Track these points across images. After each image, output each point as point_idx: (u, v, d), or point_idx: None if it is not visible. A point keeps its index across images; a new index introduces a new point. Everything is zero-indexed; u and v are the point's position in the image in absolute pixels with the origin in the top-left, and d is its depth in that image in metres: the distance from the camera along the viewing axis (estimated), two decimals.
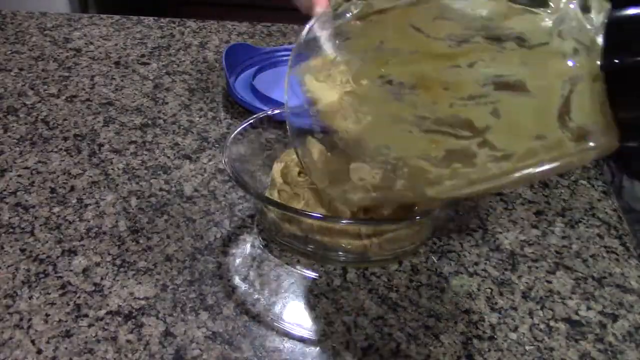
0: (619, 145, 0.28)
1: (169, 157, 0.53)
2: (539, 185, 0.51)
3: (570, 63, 0.27)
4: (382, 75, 0.31)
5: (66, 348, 0.35)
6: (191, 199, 0.48)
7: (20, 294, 0.38)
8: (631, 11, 0.26)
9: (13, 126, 0.56)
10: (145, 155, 0.53)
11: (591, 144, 0.28)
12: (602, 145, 0.28)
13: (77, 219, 0.45)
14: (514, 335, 0.37)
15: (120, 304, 0.38)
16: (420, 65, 0.30)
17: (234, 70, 0.64)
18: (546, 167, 0.30)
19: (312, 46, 0.35)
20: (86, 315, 0.37)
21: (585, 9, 0.27)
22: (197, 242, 0.43)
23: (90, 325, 0.37)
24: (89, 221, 0.45)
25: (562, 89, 0.27)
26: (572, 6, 0.27)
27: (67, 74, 0.66)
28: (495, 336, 0.37)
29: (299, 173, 0.43)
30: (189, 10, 1.76)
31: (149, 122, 0.58)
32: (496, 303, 0.40)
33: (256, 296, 0.39)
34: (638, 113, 0.27)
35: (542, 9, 0.28)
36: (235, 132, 0.45)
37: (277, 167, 0.45)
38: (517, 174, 0.30)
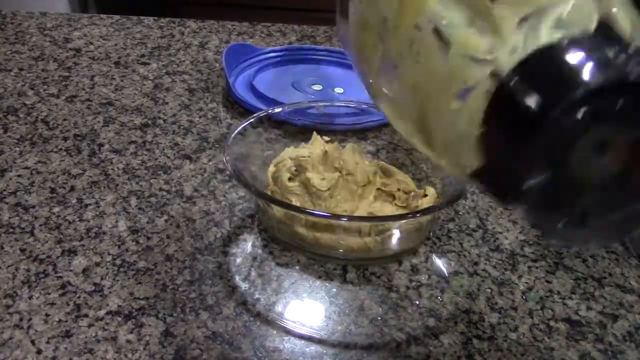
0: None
1: (169, 157, 0.53)
2: None
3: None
4: None
5: (66, 348, 0.35)
6: (191, 199, 0.48)
7: (20, 294, 0.38)
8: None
9: (13, 126, 0.56)
10: (145, 155, 0.53)
11: None
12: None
13: (77, 219, 0.45)
14: (514, 335, 0.37)
15: (120, 304, 0.38)
16: None
17: (234, 70, 0.64)
18: None
19: None
20: (86, 315, 0.37)
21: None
22: (197, 242, 0.43)
23: (90, 325, 0.37)
24: (88, 221, 0.45)
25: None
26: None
27: (67, 74, 0.66)
28: (495, 336, 0.37)
29: (289, 179, 0.43)
30: (189, 10, 1.76)
31: (149, 122, 0.58)
32: (496, 303, 0.40)
33: (256, 296, 0.39)
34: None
35: None
36: (236, 131, 0.45)
37: (271, 169, 0.45)
38: None
